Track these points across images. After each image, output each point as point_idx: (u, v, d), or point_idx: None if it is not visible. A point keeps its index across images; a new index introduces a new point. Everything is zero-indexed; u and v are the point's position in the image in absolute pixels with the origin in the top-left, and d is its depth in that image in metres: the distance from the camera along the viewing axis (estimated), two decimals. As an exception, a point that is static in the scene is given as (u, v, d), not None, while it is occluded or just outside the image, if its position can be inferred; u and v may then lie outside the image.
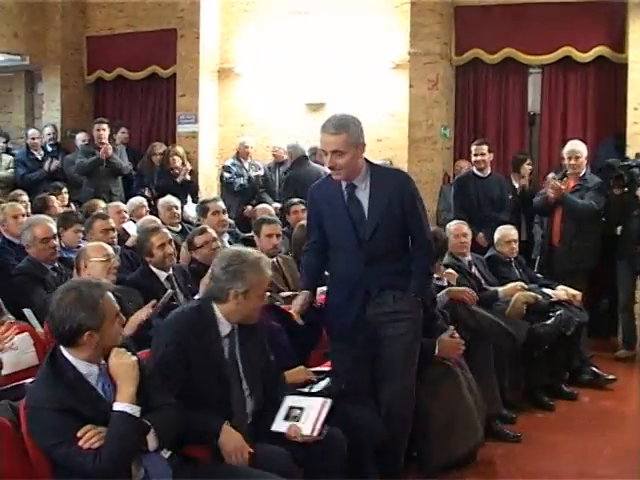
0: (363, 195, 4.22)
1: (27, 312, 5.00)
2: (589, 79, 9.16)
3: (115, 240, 6.49)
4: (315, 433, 3.56)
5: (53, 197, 7.93)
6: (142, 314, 4.66)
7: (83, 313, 3.12)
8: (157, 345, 3.65)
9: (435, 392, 4.77)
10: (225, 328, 3.68)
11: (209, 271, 5.08)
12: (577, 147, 7.84)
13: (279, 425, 3.65)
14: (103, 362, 3.22)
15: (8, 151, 10.88)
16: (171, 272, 5.56)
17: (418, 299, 4.34)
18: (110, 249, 5.03)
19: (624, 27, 8.69)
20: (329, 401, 3.70)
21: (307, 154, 9.17)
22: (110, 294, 3.24)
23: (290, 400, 3.75)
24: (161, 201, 7.90)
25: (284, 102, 10.62)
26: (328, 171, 4.25)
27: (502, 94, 9.55)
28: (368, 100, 10.03)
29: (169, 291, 5.01)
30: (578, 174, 7.80)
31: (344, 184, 4.25)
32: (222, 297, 3.64)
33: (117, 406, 3.07)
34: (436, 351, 4.84)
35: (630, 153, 8.15)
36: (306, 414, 3.64)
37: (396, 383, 4.27)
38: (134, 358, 3.23)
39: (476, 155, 8.28)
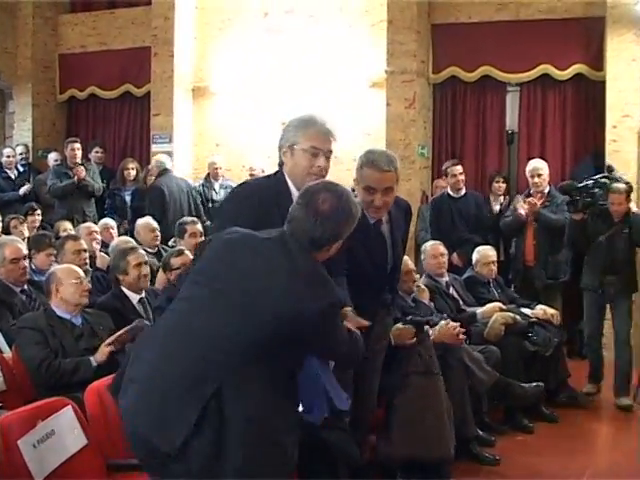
0: (386, 229, 4.27)
1: (-5, 336, 5.00)
2: (567, 97, 9.27)
3: (87, 261, 6.48)
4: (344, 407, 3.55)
5: (16, 222, 7.87)
6: (110, 343, 4.68)
7: None
8: None
9: (406, 387, 4.92)
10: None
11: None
12: (538, 164, 7.99)
13: None
14: None
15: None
16: (144, 295, 5.57)
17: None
18: (80, 271, 5.03)
19: (602, 44, 8.82)
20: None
21: (168, 167, 9.55)
22: None
23: None
24: (141, 222, 7.86)
25: (260, 121, 10.63)
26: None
27: (480, 112, 9.65)
28: (344, 119, 10.01)
29: (137, 321, 4.94)
30: (542, 191, 7.91)
31: (372, 220, 4.19)
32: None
33: None
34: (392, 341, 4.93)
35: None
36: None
37: (373, 394, 4.53)
38: None
39: (454, 176, 8.37)
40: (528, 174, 7.98)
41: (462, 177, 8.41)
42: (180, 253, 6.11)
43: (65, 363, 4.56)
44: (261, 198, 3.55)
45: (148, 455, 2.83)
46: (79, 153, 9.78)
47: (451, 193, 8.44)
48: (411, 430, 4.82)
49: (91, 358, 4.61)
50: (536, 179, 7.88)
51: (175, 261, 6.02)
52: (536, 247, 7.86)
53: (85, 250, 6.49)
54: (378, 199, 4.05)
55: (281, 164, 3.70)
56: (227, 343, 2.77)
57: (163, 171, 9.48)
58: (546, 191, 7.91)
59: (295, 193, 3.54)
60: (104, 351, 4.62)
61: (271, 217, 3.39)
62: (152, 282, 6.11)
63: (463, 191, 8.45)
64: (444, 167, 8.60)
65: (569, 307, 8.11)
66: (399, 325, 5.07)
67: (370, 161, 4.06)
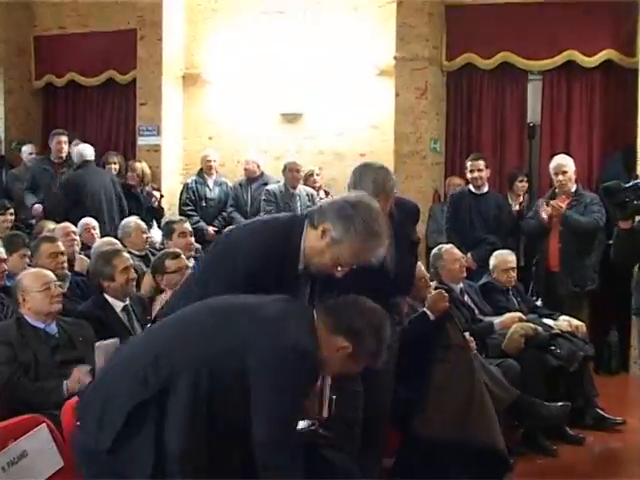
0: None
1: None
2: (595, 86, 9.25)
3: (65, 265, 6.47)
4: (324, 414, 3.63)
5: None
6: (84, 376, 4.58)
7: None
8: None
9: (447, 360, 5.17)
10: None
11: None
12: (562, 161, 7.94)
13: None
14: None
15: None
16: (128, 302, 5.57)
17: None
18: (49, 274, 4.99)
19: (634, 28, 8.81)
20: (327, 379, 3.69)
21: (90, 159, 9.47)
22: None
23: None
24: (131, 223, 7.86)
25: (257, 112, 10.65)
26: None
27: (498, 103, 9.63)
28: (349, 110, 10.09)
29: None
30: (568, 191, 7.87)
31: None
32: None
33: None
34: (430, 315, 5.31)
35: (640, 170, 8.24)
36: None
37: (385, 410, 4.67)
38: None
39: (472, 171, 8.37)
40: (552, 171, 7.96)
41: (482, 174, 8.39)
42: (177, 256, 6.13)
43: (33, 389, 4.50)
44: (272, 264, 3.50)
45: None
46: (66, 147, 9.80)
47: (472, 189, 8.45)
48: (450, 407, 5.01)
49: (65, 383, 4.55)
50: (560, 177, 7.85)
51: (171, 264, 6.02)
52: (561, 252, 7.83)
53: (62, 253, 6.46)
54: None
55: (307, 223, 3.55)
56: (179, 353, 3.02)
57: (83, 163, 9.42)
58: (572, 190, 7.89)
59: (301, 268, 3.57)
60: (75, 377, 4.54)
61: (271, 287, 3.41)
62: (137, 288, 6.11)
63: (485, 188, 8.44)
64: (466, 160, 8.61)
65: (597, 318, 8.08)
66: (430, 294, 5.47)
67: (357, 185, 4.23)
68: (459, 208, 8.42)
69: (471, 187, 8.47)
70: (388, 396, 4.67)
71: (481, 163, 8.42)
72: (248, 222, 4.03)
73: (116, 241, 7.28)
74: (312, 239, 3.50)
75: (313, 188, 9.86)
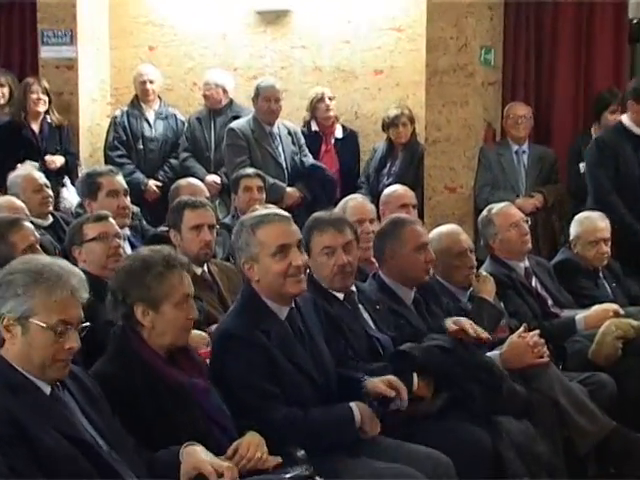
0: None
1: None
2: None
3: None
4: None
5: None
6: None
7: None
8: None
9: None
10: None
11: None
12: None
13: None
14: None
15: None
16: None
17: None
18: None
19: None
20: None
21: None
22: None
23: None
24: (19, 178, 7.85)
25: (221, 9, 10.73)
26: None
27: (583, -9, 9.54)
28: (358, 5, 10.04)
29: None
30: None
31: None
32: None
33: None
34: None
35: None
36: None
37: None
38: None
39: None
40: None
41: None
42: (101, 218, 6.11)
43: None
44: None
45: None
46: None
47: (630, 126, 8.25)
48: None
49: None
50: None
51: (91, 229, 5.97)
52: None
53: None
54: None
55: None
56: None
57: None
58: None
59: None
60: None
61: None
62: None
63: None
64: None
65: None
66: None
67: None
68: (615, 156, 8.22)
69: (627, 123, 8.27)
70: None
71: None
72: None
73: (21, 203, 7.19)
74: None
75: (325, 119, 9.88)
